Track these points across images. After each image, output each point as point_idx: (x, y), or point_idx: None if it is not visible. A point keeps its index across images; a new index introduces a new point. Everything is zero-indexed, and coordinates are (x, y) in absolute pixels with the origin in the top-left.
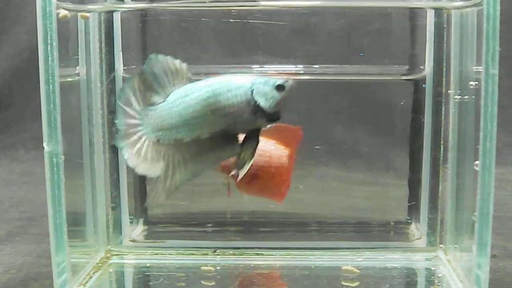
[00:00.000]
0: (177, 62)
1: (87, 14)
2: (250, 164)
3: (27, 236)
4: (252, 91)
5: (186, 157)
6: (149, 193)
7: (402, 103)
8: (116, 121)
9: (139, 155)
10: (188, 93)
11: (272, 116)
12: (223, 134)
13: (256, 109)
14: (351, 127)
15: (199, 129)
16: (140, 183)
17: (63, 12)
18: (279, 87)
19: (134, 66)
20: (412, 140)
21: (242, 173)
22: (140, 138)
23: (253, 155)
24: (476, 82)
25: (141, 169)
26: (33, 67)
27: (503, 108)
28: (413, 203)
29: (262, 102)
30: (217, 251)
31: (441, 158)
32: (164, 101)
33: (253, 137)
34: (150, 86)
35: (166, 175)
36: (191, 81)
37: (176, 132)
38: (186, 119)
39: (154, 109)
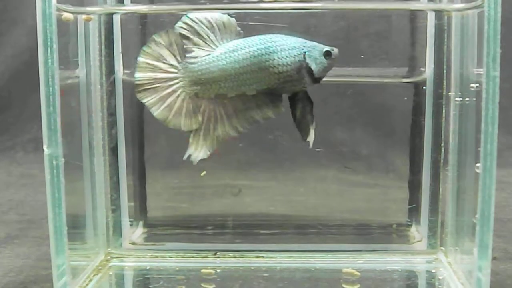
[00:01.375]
0: (225, 17)
1: (91, 16)
2: (314, 127)
3: (27, 239)
4: (304, 53)
5: (230, 112)
6: (191, 144)
7: (405, 98)
8: (137, 76)
9: (171, 109)
10: (237, 48)
11: (317, 80)
12: (268, 93)
13: (306, 71)
14: (352, 130)
15: (245, 85)
16: (140, 185)
17: (67, 15)
18: (327, 53)
19: (133, 69)
20: (412, 142)
21: (311, 138)
22: (174, 91)
23: (313, 118)
24: (477, 84)
25: (173, 123)
26: (32, 69)
27: (504, 110)
28: (414, 205)
29: (313, 66)
30: (217, 253)
31: (442, 160)
32: (208, 54)
33: (305, 99)
34: (191, 39)
35: (207, 129)
36: (240, 36)
37: (218, 87)
38: (231, 74)
39: (194, 63)
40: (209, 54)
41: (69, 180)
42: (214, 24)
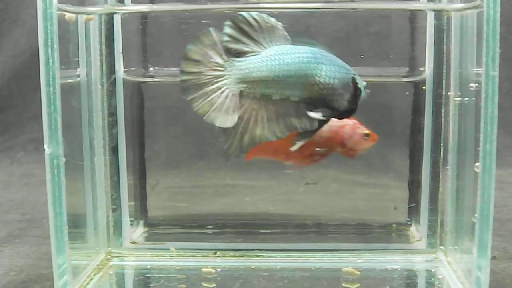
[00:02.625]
0: (273, 19)
1: (92, 16)
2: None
3: (27, 238)
4: (353, 75)
5: (271, 115)
6: (227, 141)
7: (407, 93)
8: (181, 77)
9: (212, 104)
10: (288, 52)
11: (354, 105)
12: (309, 103)
13: (351, 91)
14: None
15: (290, 90)
16: (140, 185)
17: (69, 14)
18: (366, 87)
19: (134, 68)
20: (412, 142)
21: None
22: (219, 88)
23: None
24: (476, 84)
25: (211, 118)
26: (33, 69)
27: (503, 110)
28: (413, 204)
29: (361, 88)
30: (218, 253)
31: (441, 160)
32: (256, 54)
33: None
34: (239, 40)
35: (245, 129)
36: (288, 41)
37: (264, 87)
38: (279, 76)
39: (242, 61)
40: (258, 54)
41: (69, 180)
42: (263, 26)
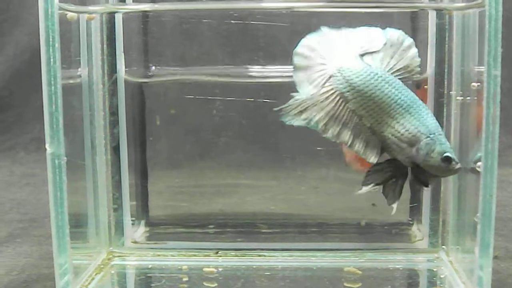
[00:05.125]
0: (408, 42)
1: (93, 15)
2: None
3: (29, 238)
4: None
5: (364, 134)
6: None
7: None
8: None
9: (321, 109)
10: (395, 85)
11: (437, 172)
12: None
13: (441, 158)
14: None
15: (373, 119)
16: (142, 184)
17: (71, 14)
18: (446, 159)
19: (135, 68)
20: None
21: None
22: (327, 91)
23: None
24: (478, 83)
25: (314, 121)
26: (34, 69)
27: (505, 109)
28: (415, 204)
29: (421, 152)
30: (219, 252)
31: None
32: (367, 66)
33: (400, 171)
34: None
35: (337, 132)
36: (417, 72)
37: (363, 101)
38: (368, 96)
39: (351, 70)
40: (368, 66)
41: (71, 179)
42: (390, 43)
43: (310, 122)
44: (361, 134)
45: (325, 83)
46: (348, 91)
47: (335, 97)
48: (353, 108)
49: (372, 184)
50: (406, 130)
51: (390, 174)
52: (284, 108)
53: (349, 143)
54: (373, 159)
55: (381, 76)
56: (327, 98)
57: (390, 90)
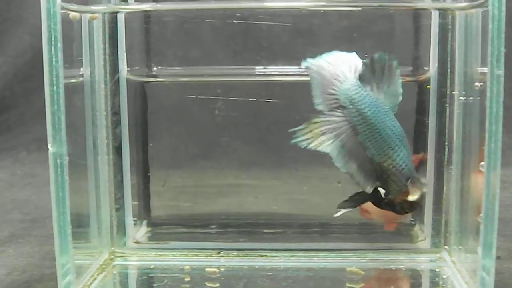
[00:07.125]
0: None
1: (96, 15)
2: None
3: (30, 238)
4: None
5: (366, 165)
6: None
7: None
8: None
9: (326, 133)
10: (387, 111)
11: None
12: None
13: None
14: None
15: (376, 150)
16: (144, 184)
17: (74, 13)
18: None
19: (138, 67)
20: (416, 142)
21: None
22: (341, 121)
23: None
24: (481, 83)
25: (317, 142)
26: (35, 69)
27: (508, 109)
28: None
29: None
30: (221, 252)
31: (446, 160)
32: (374, 97)
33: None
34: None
35: (345, 162)
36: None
37: (371, 133)
38: (376, 129)
39: (363, 103)
40: (381, 106)
41: (73, 179)
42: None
43: (323, 147)
44: (363, 165)
45: (337, 109)
46: (360, 124)
47: (348, 128)
48: (361, 140)
49: (347, 208)
50: (403, 162)
51: (365, 200)
52: (298, 131)
53: (353, 174)
54: (369, 189)
55: (384, 108)
56: (340, 127)
57: (390, 121)
